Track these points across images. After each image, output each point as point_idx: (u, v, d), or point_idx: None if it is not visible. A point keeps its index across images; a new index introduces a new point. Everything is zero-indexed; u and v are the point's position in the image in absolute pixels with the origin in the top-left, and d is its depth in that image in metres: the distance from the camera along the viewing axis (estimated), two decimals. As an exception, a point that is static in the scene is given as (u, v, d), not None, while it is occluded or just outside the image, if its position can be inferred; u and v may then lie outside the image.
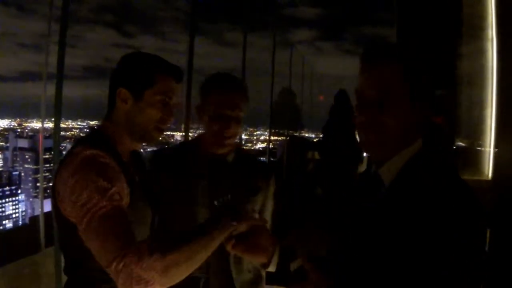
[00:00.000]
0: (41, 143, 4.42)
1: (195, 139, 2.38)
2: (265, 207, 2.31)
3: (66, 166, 1.59)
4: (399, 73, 1.29)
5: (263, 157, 9.79)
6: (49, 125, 3.75)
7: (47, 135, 4.51)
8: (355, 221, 1.44)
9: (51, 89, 3.44)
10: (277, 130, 11.58)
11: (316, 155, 8.65)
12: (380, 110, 1.29)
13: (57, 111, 3.26)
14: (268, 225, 2.08)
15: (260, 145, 21.45)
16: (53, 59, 3.43)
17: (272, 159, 10.15)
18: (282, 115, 10.49)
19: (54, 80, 3.34)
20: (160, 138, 1.83)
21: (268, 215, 2.28)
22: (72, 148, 1.66)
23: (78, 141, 1.72)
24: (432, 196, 1.19)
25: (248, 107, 2.22)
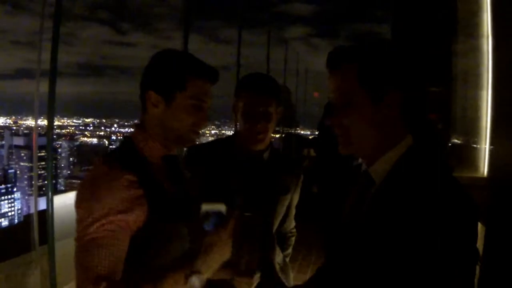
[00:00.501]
0: (35, 141, 4.41)
1: (231, 136, 2.49)
2: (291, 203, 2.50)
3: (86, 175, 1.59)
4: (355, 77, 1.32)
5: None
6: (44, 122, 3.74)
7: (42, 132, 4.50)
8: (346, 223, 1.47)
9: (45, 87, 3.43)
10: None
11: (312, 152, 8.66)
12: (342, 114, 1.35)
13: (51, 109, 3.25)
14: (292, 216, 2.55)
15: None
16: (47, 57, 3.42)
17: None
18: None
19: (48, 77, 3.33)
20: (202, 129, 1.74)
21: (293, 210, 2.53)
22: (97, 158, 1.61)
23: (106, 153, 1.68)
24: (421, 197, 1.19)
25: (281, 107, 2.31)
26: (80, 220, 1.50)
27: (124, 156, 1.61)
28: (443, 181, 1.25)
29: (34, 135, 4.44)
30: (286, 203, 2.43)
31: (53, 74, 3.19)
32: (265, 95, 2.22)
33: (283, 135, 12.17)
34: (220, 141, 2.47)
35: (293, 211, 2.56)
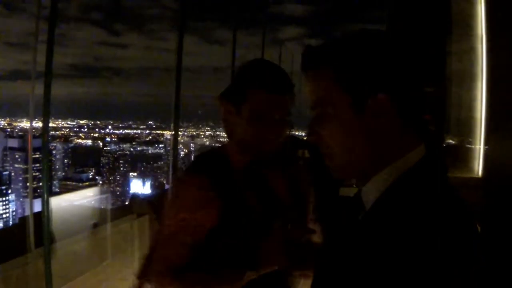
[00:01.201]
0: (30, 143, 4.40)
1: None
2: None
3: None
4: (332, 79, 1.07)
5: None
6: (39, 124, 3.73)
7: (37, 134, 4.49)
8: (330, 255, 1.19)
9: (40, 88, 3.42)
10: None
11: (306, 154, 8.64)
12: (319, 124, 1.11)
13: (46, 111, 3.24)
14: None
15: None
16: (41, 58, 3.41)
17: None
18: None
19: (43, 79, 3.32)
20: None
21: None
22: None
23: (194, 158, 1.93)
24: (409, 229, 0.93)
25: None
26: (164, 215, 1.76)
27: (205, 163, 1.82)
28: (442, 212, 0.96)
29: (30, 137, 4.43)
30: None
31: (48, 77, 3.18)
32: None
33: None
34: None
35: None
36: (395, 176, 1.05)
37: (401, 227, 0.93)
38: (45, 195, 3.73)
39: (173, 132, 5.10)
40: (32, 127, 4.31)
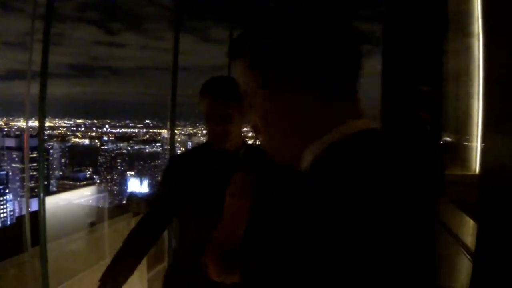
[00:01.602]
0: (26, 142, 4.39)
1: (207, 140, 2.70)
2: None
3: None
4: (247, 64, 1.10)
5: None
6: (36, 123, 3.72)
7: (34, 133, 4.48)
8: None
9: (36, 88, 3.41)
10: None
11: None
12: (244, 109, 1.17)
13: (42, 110, 3.24)
14: None
15: (249, 142, 21.43)
16: (38, 57, 3.40)
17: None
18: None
19: (39, 79, 3.31)
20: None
21: None
22: None
23: None
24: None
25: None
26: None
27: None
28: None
29: (26, 137, 4.42)
30: None
31: (43, 76, 3.17)
32: (222, 98, 2.43)
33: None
34: (201, 145, 2.74)
35: None
36: (325, 146, 1.02)
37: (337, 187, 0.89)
38: (41, 194, 3.73)
39: (169, 131, 5.10)
40: (28, 127, 4.30)
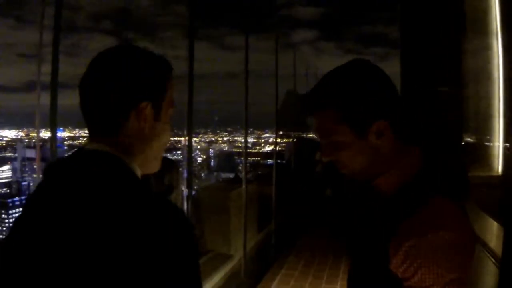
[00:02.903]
0: (39, 153, 4.44)
1: None
2: None
3: None
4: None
5: (270, 159, 9.76)
6: (59, 134, 3.74)
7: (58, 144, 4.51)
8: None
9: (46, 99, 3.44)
10: (284, 132, 11.58)
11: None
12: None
13: (53, 120, 3.26)
14: None
15: (268, 148, 21.46)
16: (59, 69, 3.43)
17: (279, 161, 10.12)
18: (287, 117, 10.45)
19: (50, 90, 3.33)
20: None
21: None
22: None
23: None
24: None
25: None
26: None
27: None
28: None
29: (38, 148, 4.47)
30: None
31: (54, 87, 3.19)
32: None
33: (295, 140, 12.14)
34: None
35: None
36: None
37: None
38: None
39: (187, 138, 5.09)
40: (39, 138, 4.35)
